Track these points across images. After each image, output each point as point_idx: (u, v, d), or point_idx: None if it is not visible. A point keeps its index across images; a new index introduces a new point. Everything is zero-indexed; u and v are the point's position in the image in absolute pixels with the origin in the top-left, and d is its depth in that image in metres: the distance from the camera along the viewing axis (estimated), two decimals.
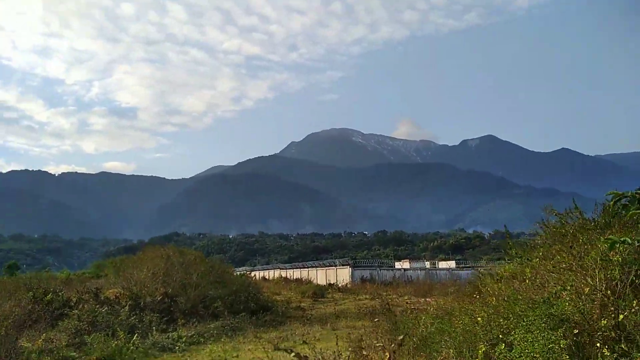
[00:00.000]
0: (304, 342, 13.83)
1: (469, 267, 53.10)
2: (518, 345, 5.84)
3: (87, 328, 12.18)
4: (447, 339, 7.32)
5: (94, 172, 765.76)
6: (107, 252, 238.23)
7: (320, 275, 45.47)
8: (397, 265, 54.65)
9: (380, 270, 43.40)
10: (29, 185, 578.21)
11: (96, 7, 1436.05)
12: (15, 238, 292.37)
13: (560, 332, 6.31)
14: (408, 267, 51.53)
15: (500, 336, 6.64)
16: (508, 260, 9.13)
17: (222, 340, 14.41)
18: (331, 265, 46.22)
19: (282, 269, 56.83)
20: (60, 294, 15.57)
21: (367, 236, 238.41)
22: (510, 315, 6.89)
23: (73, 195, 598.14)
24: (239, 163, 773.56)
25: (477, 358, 6.42)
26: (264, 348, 12.13)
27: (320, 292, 29.24)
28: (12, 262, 65.72)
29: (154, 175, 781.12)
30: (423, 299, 25.71)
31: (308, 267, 50.49)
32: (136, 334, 12.66)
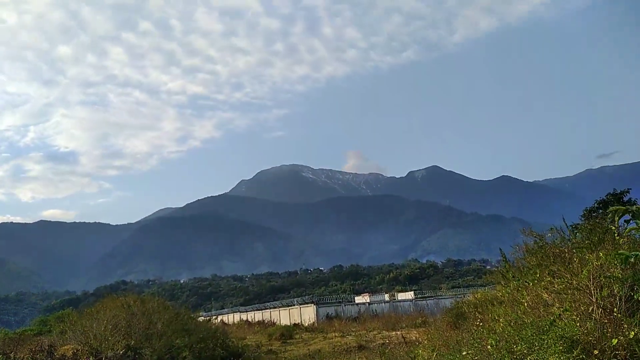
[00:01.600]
0: None
1: (429, 297, 53.46)
2: None
3: None
4: None
5: (31, 221, 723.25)
6: (48, 307, 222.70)
7: (283, 316, 44.14)
8: (357, 299, 54.22)
9: (345, 306, 42.75)
10: None
11: (29, 50, 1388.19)
12: None
13: (576, 354, 6.18)
14: (368, 300, 51.19)
15: None
16: (504, 284, 9.01)
17: None
18: (293, 305, 45.01)
19: (242, 311, 54.81)
20: (10, 355, 13.97)
21: (323, 272, 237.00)
22: (520, 341, 6.71)
23: (8, 246, 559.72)
24: (188, 204, 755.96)
25: None
26: None
27: (288, 334, 28.20)
28: None
29: (97, 221, 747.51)
30: (394, 333, 25.31)
31: (270, 308, 48.92)
32: None
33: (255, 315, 48.81)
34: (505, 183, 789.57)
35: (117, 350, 16.25)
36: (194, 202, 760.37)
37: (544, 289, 7.70)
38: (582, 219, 26.82)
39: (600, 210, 27.80)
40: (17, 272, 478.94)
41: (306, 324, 36.39)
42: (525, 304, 7.43)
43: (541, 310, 7.18)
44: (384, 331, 25.44)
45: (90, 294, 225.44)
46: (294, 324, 35.27)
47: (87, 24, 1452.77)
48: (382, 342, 21.32)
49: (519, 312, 7.33)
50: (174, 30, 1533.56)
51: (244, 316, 51.32)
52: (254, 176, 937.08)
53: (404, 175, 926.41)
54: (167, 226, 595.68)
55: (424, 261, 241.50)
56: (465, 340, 7.74)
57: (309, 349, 20.40)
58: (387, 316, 35.30)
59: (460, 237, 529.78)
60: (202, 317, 27.23)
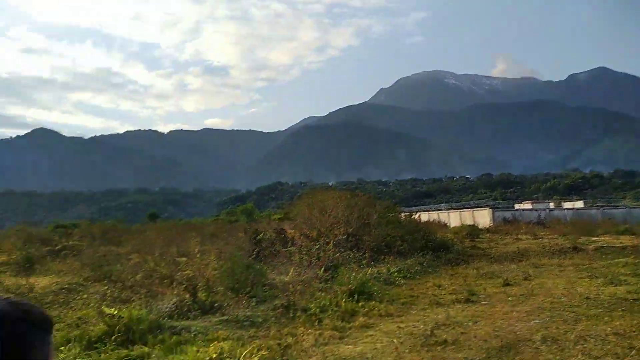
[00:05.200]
0: (525, 278, 13.07)
1: (614, 206, 48.64)
2: None
3: (309, 262, 12.38)
4: None
5: (196, 129, 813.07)
6: (220, 202, 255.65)
7: (453, 218, 44.13)
8: (517, 207, 51.69)
9: (523, 210, 41.08)
10: (143, 143, 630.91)
11: None
12: (140, 191, 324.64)
13: None
14: (530, 207, 48.45)
15: None
16: None
17: (441, 274, 14.08)
18: (465, 208, 44.54)
19: (406, 212, 55.95)
20: (263, 232, 16.19)
21: (470, 180, 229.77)
22: None
23: (181, 150, 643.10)
24: (330, 113, 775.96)
25: None
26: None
27: (475, 233, 28.15)
28: (152, 211, 72.48)
29: (250, 129, 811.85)
30: (602, 237, 23.67)
31: (438, 210, 49.23)
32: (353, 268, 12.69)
33: (421, 216, 49.60)
34: None
35: (339, 236, 17.67)
36: (336, 110, 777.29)
37: None
38: None
39: None
40: (191, 172, 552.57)
41: (482, 227, 35.78)
42: None
43: None
44: (583, 237, 23.79)
45: (252, 192, 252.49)
46: (470, 226, 34.94)
47: None
48: (595, 245, 20.04)
49: None
50: None
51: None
52: (393, 84, 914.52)
53: (562, 79, 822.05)
54: (312, 134, 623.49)
55: (587, 172, 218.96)
56: None
57: (518, 247, 20.07)
58: (574, 222, 32.97)
59: (631, 147, 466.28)
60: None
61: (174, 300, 9.59)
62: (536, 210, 42.97)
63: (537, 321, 7.08)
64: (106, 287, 12.85)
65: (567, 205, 52.64)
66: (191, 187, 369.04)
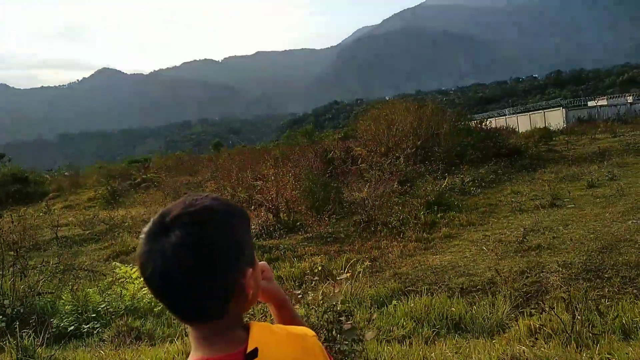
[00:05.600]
0: (611, 179, 12.43)
1: None
2: None
3: (382, 178, 12.43)
4: None
5: (250, 53, 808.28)
6: (279, 126, 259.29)
7: (522, 122, 41.94)
8: (590, 104, 47.92)
9: (600, 108, 38.26)
10: (199, 73, 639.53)
11: None
12: (202, 122, 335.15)
13: None
14: (605, 104, 44.85)
15: None
16: None
17: (517, 180, 13.75)
18: (536, 110, 42.11)
19: (470, 119, 53.91)
20: (332, 152, 16.36)
21: (537, 79, 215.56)
22: None
23: (236, 77, 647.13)
24: (384, 20, 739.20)
25: None
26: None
27: (548, 136, 26.74)
28: (217, 141, 75.01)
29: (304, 47, 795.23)
30: None
31: (505, 115, 46.98)
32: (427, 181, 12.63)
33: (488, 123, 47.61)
34: None
35: (408, 149, 17.42)
36: (389, 17, 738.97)
37: None
38: None
39: None
40: (248, 99, 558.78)
41: (553, 129, 33.87)
42: None
43: None
44: None
45: (309, 114, 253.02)
46: (542, 128, 33.18)
47: None
48: None
49: None
50: None
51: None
52: None
53: None
54: (366, 46, 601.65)
55: None
56: None
57: (598, 147, 18.94)
58: None
59: None
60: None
61: (259, 221, 10.09)
62: (614, 105, 39.81)
63: (634, 221, 6.77)
64: None
65: None
66: (250, 114, 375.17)
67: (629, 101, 45.84)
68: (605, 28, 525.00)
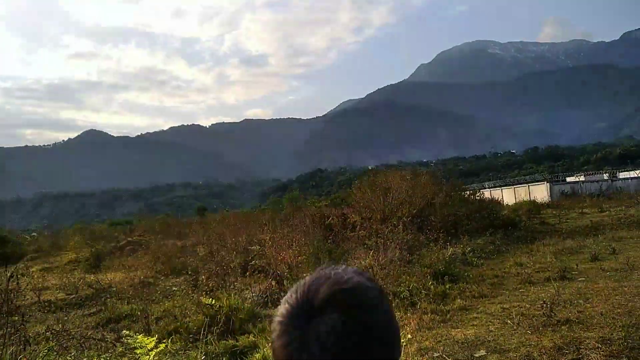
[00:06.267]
0: (613, 252, 12.39)
1: None
2: None
3: (384, 245, 12.22)
4: None
5: (237, 120, 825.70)
6: (262, 192, 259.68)
7: (507, 195, 42.74)
8: (569, 180, 49.41)
9: (583, 183, 39.31)
10: (186, 138, 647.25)
11: None
12: (184, 186, 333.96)
13: None
14: (584, 179, 46.29)
15: None
16: None
17: (516, 252, 13.60)
18: (520, 183, 43.07)
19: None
20: (330, 218, 16.18)
21: (515, 155, 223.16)
22: None
23: (223, 143, 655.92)
24: (369, 94, 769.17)
25: None
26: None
27: (536, 209, 27.14)
28: (201, 205, 74.63)
29: (290, 117, 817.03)
30: None
31: (489, 188, 47.87)
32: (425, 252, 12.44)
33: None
34: None
35: (404, 217, 17.35)
36: (374, 91, 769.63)
37: None
38: None
39: None
40: (232, 164, 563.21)
41: (540, 203, 34.45)
42: None
43: None
44: None
45: (293, 181, 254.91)
46: (530, 202, 33.72)
47: None
48: None
49: None
50: None
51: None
52: (433, 59, 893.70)
53: (616, 38, 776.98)
54: (351, 117, 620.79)
55: None
56: None
57: (591, 221, 19.14)
58: None
59: None
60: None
61: (260, 287, 9.65)
62: (596, 181, 40.99)
63: None
64: (184, 279, 13.16)
65: (622, 175, 50.02)
66: (233, 178, 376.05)
67: (604, 178, 47.31)
68: (579, 107, 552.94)
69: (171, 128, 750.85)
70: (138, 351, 4.35)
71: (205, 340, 6.83)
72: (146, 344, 4.27)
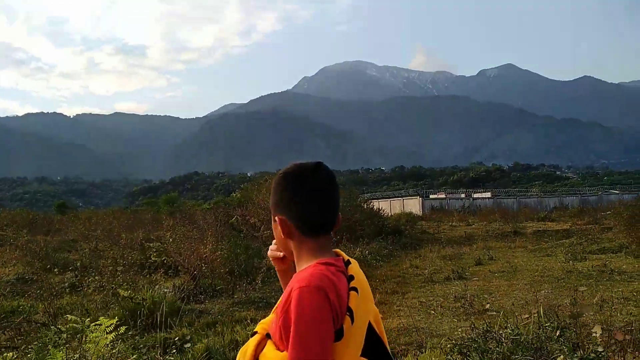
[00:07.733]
0: (491, 258, 13.98)
1: (529, 195, 53.14)
2: None
3: None
4: None
5: (107, 113, 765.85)
6: (130, 193, 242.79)
7: (384, 206, 45.63)
8: (432, 197, 54.84)
9: (449, 200, 43.64)
10: (45, 127, 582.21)
11: None
12: (39, 181, 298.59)
13: None
14: (444, 197, 51.85)
15: None
16: None
17: (406, 256, 14.66)
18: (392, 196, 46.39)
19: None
20: (234, 217, 15.82)
21: (385, 172, 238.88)
22: None
23: (89, 136, 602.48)
24: (251, 100, 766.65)
25: None
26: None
27: (413, 220, 29.48)
28: (62, 202, 67.51)
29: (167, 114, 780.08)
30: (532, 224, 25.91)
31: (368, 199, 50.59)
32: None
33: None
34: (586, 84, 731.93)
35: None
36: (257, 98, 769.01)
37: None
38: None
39: None
40: (98, 161, 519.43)
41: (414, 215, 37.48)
42: None
43: None
44: (509, 222, 25.88)
45: (166, 182, 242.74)
46: (408, 214, 36.52)
47: None
48: (532, 230, 21.95)
49: None
50: None
51: None
52: (316, 73, 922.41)
53: (474, 74, 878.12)
54: (231, 121, 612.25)
55: (490, 165, 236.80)
56: None
57: (465, 232, 21.39)
58: (499, 211, 35.62)
59: (530, 142, 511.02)
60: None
61: (174, 285, 9.21)
62: (460, 199, 45.90)
63: (546, 291, 7.73)
64: (72, 276, 11.92)
65: (476, 195, 56.60)
66: (99, 177, 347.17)
67: (462, 197, 53.13)
68: (441, 132, 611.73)
69: (28, 114, 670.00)
70: (93, 335, 3.98)
71: (130, 334, 6.38)
72: (107, 326, 3.93)
